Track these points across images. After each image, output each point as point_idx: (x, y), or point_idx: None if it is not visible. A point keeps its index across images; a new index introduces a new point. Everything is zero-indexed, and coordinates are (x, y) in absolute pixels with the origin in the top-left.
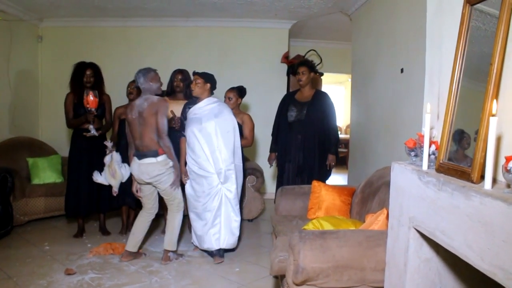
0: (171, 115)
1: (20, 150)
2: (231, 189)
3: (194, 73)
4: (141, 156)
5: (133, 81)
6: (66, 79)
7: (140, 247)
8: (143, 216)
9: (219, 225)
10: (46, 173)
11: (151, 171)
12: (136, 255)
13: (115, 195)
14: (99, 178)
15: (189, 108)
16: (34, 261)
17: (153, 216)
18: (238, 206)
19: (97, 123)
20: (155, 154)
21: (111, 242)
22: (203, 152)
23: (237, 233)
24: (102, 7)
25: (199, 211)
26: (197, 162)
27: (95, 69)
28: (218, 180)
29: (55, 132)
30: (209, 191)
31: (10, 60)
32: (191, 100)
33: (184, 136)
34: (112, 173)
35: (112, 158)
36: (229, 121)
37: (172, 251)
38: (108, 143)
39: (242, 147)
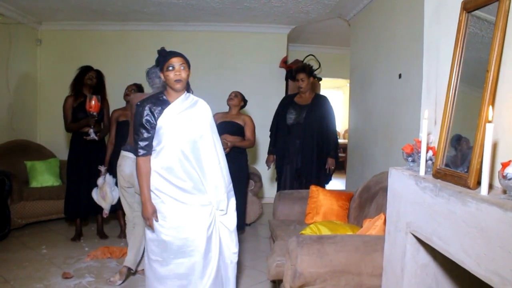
0: None
1: (18, 153)
2: (233, 218)
3: (177, 54)
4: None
5: (132, 84)
6: (65, 82)
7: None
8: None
9: (212, 271)
10: (44, 176)
11: None
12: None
13: (105, 216)
14: (94, 196)
15: (161, 108)
16: (31, 265)
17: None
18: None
19: (96, 127)
20: None
21: (108, 245)
22: (196, 174)
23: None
24: (101, 11)
25: (178, 262)
26: (181, 189)
27: (99, 74)
28: (216, 209)
29: (53, 135)
30: (198, 231)
31: (9, 63)
32: (154, 95)
33: (146, 152)
34: (103, 195)
35: (105, 181)
36: (215, 126)
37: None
38: (102, 168)
39: (245, 149)
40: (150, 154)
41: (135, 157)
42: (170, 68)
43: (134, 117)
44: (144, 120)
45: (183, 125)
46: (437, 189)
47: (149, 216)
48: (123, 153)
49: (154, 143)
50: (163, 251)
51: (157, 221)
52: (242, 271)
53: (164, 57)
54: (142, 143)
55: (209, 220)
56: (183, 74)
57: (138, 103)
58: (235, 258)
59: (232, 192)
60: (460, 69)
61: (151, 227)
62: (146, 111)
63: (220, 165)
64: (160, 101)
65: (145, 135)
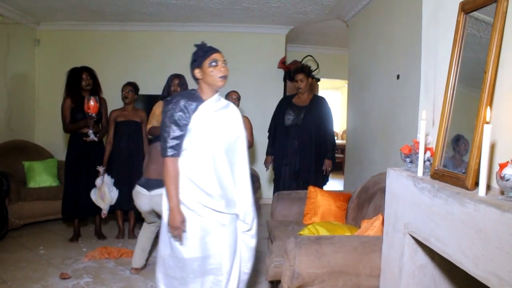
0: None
1: (16, 154)
2: (255, 235)
3: (218, 50)
4: (153, 185)
5: (127, 85)
6: (63, 83)
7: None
8: (146, 229)
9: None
10: (42, 176)
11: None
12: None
13: (103, 217)
14: (93, 196)
15: (197, 105)
16: (29, 265)
17: (157, 228)
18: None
19: (95, 127)
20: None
21: (106, 246)
22: (226, 180)
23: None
24: (100, 11)
25: (198, 281)
26: (209, 195)
27: (91, 73)
28: (241, 221)
29: (51, 135)
30: (224, 248)
31: (7, 63)
32: (186, 91)
33: (176, 152)
34: (102, 195)
35: (103, 181)
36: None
37: None
38: (100, 168)
39: None
40: (180, 155)
41: (149, 193)
42: (213, 63)
43: (163, 114)
44: (177, 116)
45: (219, 125)
46: (435, 190)
47: (177, 225)
48: (138, 188)
49: (185, 142)
50: (182, 270)
51: (184, 231)
52: None
53: (205, 52)
54: (172, 142)
55: (235, 235)
56: (227, 71)
57: (168, 99)
58: (246, 278)
59: (255, 208)
60: (458, 70)
61: (179, 238)
62: (180, 106)
63: (247, 173)
64: (194, 97)
65: (177, 132)
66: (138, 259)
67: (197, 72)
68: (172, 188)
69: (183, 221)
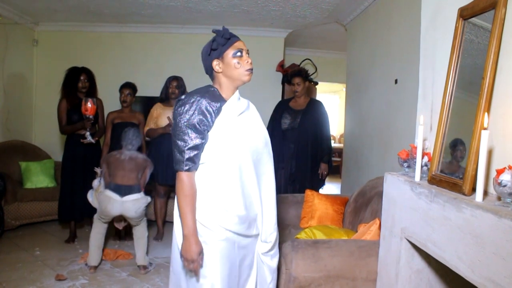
0: (167, 121)
1: (13, 154)
2: (277, 255)
3: (238, 37)
4: (124, 191)
5: (126, 87)
6: (61, 83)
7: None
8: (99, 226)
9: None
10: (39, 177)
11: (138, 208)
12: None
13: None
14: (90, 197)
15: (220, 105)
16: (25, 266)
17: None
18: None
19: (92, 129)
20: (139, 189)
21: (102, 248)
22: (258, 198)
23: None
24: (98, 12)
25: None
26: (232, 216)
27: (89, 74)
28: (263, 244)
29: (49, 136)
30: (243, 272)
31: (5, 63)
32: (202, 88)
33: (194, 165)
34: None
35: (100, 183)
36: None
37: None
38: (98, 170)
39: None
40: (197, 168)
41: (121, 199)
42: (238, 53)
43: (177, 117)
44: (197, 120)
45: (245, 130)
46: (432, 195)
47: (194, 257)
48: (108, 193)
49: (204, 153)
50: None
51: (201, 266)
52: None
53: (227, 40)
54: (190, 153)
55: (252, 259)
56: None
57: (182, 98)
58: None
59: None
60: (456, 76)
61: (195, 272)
62: (201, 107)
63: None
64: (215, 95)
65: (196, 140)
66: (95, 257)
67: (216, 64)
68: (188, 210)
69: (200, 252)
